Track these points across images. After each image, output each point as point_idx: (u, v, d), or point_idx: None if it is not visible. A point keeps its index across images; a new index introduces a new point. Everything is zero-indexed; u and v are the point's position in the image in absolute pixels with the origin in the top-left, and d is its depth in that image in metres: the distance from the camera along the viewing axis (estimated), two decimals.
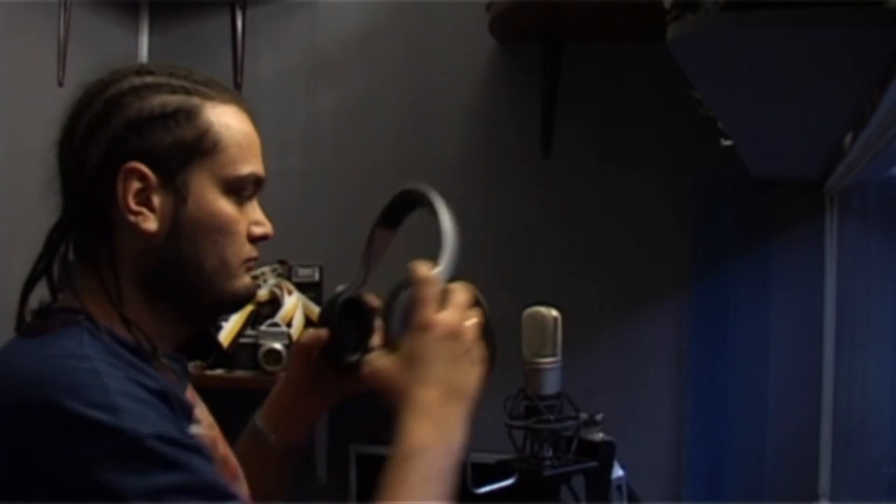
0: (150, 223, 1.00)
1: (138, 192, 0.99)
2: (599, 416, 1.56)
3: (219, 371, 2.25)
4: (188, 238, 1.00)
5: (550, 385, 1.49)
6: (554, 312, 1.49)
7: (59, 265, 1.05)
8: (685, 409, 2.27)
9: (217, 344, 2.15)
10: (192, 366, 2.12)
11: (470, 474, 1.20)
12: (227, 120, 1.03)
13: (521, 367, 1.49)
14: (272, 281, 2.33)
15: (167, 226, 1.00)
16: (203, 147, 1.01)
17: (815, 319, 2.19)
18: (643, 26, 1.64)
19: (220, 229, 1.02)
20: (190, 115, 1.01)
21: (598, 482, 1.53)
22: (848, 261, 2.12)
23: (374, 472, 0.97)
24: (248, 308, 2.24)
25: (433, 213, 1.09)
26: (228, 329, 2.20)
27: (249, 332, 2.23)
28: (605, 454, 1.53)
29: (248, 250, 1.05)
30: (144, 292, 1.02)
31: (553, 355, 1.48)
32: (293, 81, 2.56)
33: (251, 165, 1.04)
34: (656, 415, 2.28)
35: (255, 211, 1.06)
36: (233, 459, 1.11)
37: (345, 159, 2.51)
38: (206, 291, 1.03)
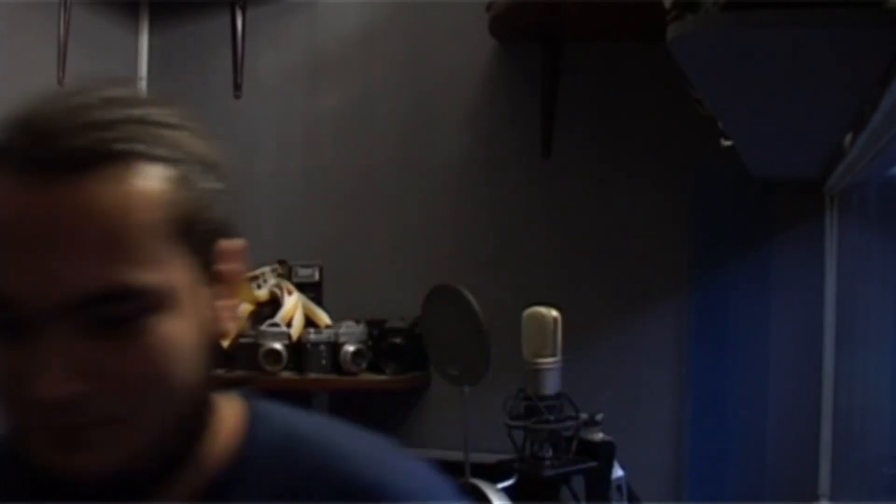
0: None
1: None
2: (599, 416, 1.56)
3: (219, 371, 2.24)
4: None
5: (550, 385, 1.49)
6: (554, 312, 1.49)
7: None
8: (685, 409, 2.26)
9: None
10: None
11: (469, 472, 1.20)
12: None
13: (521, 367, 1.49)
14: (272, 281, 2.32)
15: None
16: None
17: (815, 319, 2.18)
18: (643, 26, 1.64)
19: None
20: None
21: (598, 482, 1.53)
22: (848, 261, 2.12)
23: None
24: (249, 308, 2.24)
25: None
26: None
27: (249, 332, 2.23)
28: (605, 454, 1.54)
29: (35, 413, 0.60)
30: None
31: (553, 355, 1.48)
32: (293, 81, 2.56)
33: None
34: (656, 415, 2.28)
35: (41, 352, 0.58)
36: None
37: (345, 159, 2.51)
38: None
